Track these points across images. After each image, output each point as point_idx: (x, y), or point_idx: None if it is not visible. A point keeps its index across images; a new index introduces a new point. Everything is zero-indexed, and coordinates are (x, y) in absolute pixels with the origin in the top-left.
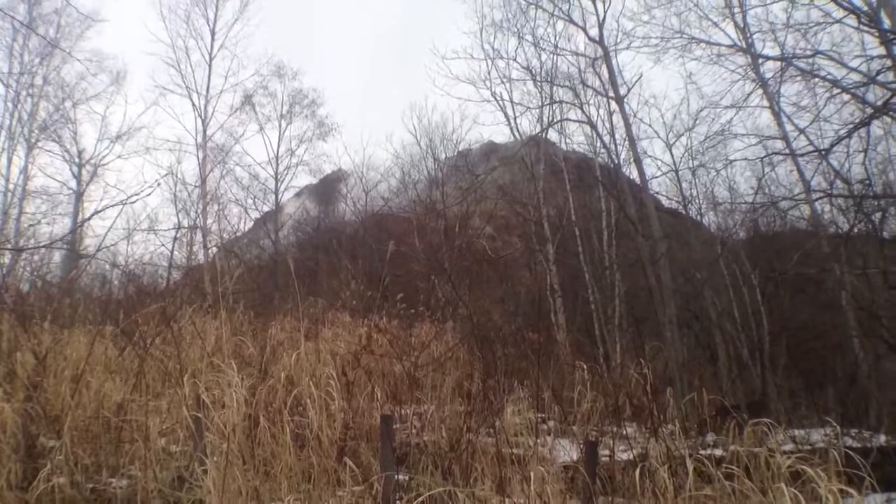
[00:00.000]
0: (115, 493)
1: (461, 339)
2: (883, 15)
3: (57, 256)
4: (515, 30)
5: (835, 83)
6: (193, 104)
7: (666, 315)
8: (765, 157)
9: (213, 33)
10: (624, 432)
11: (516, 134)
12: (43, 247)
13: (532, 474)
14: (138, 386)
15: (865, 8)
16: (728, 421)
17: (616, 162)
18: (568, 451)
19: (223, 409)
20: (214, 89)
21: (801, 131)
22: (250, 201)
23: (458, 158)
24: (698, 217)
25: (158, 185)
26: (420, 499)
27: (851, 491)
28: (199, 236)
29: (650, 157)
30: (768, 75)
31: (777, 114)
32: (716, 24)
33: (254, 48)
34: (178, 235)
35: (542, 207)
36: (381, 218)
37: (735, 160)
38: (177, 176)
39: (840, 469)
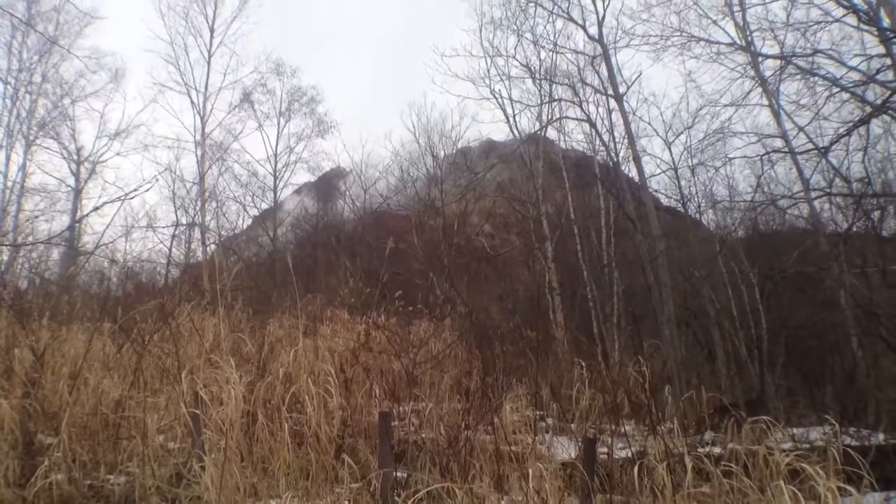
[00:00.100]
0: (113, 489)
1: (459, 336)
2: (882, 14)
3: (55, 253)
4: (515, 28)
5: (834, 82)
6: (192, 101)
7: (664, 313)
8: (764, 154)
9: (212, 30)
10: (622, 430)
11: (515, 132)
12: (41, 243)
13: (530, 471)
14: (136, 383)
15: (865, 7)
16: (726, 419)
17: (615, 160)
18: (566, 449)
19: (221, 406)
20: (213, 87)
21: (801, 129)
22: (249, 199)
23: (458, 156)
24: (697, 215)
25: (157, 180)
26: (418, 495)
27: (850, 489)
28: (197, 233)
29: (649, 155)
30: (768, 73)
31: (776, 112)
32: (715, 23)
33: (253, 46)
34: (176, 233)
35: (540, 205)
36: (379, 215)
37: (734, 158)
38: (175, 173)
39: (839, 467)
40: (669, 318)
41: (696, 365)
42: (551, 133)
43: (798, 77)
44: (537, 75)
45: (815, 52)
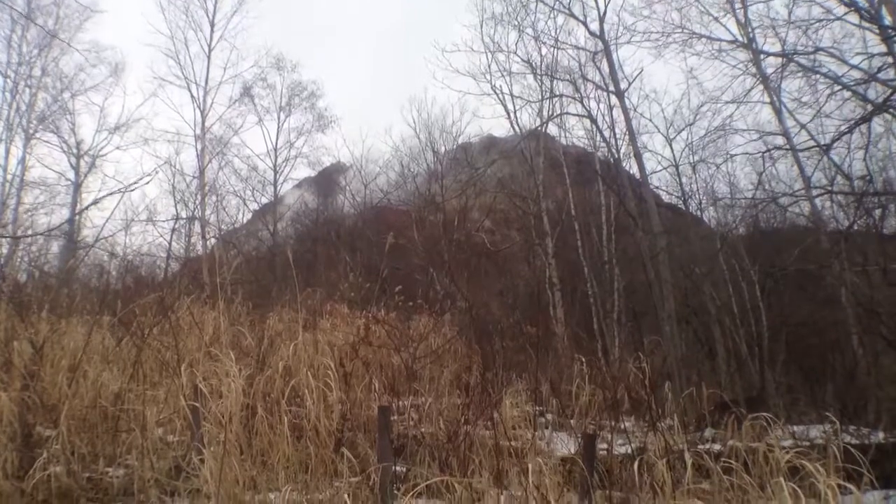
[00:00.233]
0: (112, 482)
1: (459, 331)
2: (884, 12)
3: (55, 246)
4: (516, 23)
5: (836, 80)
6: (192, 95)
7: (665, 310)
8: (765, 152)
9: (212, 25)
10: (622, 426)
11: (516, 127)
12: (40, 234)
13: (530, 466)
14: (136, 376)
15: (866, 5)
16: (727, 416)
17: (616, 156)
18: (566, 445)
19: (221, 399)
20: (213, 81)
21: (803, 126)
22: (249, 193)
23: (458, 151)
24: (698, 212)
25: (157, 173)
26: (417, 489)
27: (851, 487)
28: (197, 227)
29: (650, 151)
30: (769, 71)
31: (778, 110)
32: (717, 20)
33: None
34: (176, 226)
35: (541, 201)
36: (379, 211)
37: (735, 155)
38: (175, 167)
39: (839, 465)
40: (670, 315)
41: (697, 362)
42: (552, 129)
43: (800, 75)
44: (538, 71)
45: (817, 49)
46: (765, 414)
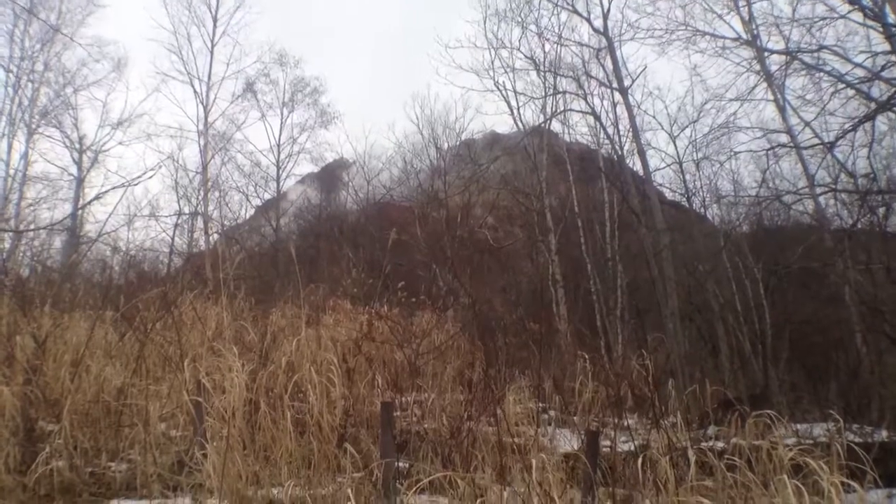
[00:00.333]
0: (115, 477)
1: (462, 327)
2: (888, 10)
3: (57, 242)
4: (519, 20)
5: (839, 78)
6: (195, 91)
7: (668, 307)
8: (769, 149)
9: (215, 20)
10: (625, 423)
11: (519, 124)
12: (42, 229)
13: (533, 462)
14: (138, 370)
15: (870, 3)
16: (730, 413)
17: (619, 153)
18: (569, 441)
19: (224, 395)
20: (216, 76)
21: (807, 124)
22: (252, 189)
23: (461, 148)
24: (702, 210)
25: (160, 167)
26: (420, 485)
27: (854, 485)
28: (200, 223)
29: (654, 148)
30: (773, 69)
31: (782, 107)
32: (721, 17)
33: (256, 36)
34: (179, 222)
35: (544, 198)
36: (382, 206)
37: (739, 152)
38: (178, 162)
39: (842, 463)
40: (673, 312)
41: (700, 359)
42: (555, 126)
43: (803, 72)
44: (542, 67)
45: (821, 47)
46: (768, 412)
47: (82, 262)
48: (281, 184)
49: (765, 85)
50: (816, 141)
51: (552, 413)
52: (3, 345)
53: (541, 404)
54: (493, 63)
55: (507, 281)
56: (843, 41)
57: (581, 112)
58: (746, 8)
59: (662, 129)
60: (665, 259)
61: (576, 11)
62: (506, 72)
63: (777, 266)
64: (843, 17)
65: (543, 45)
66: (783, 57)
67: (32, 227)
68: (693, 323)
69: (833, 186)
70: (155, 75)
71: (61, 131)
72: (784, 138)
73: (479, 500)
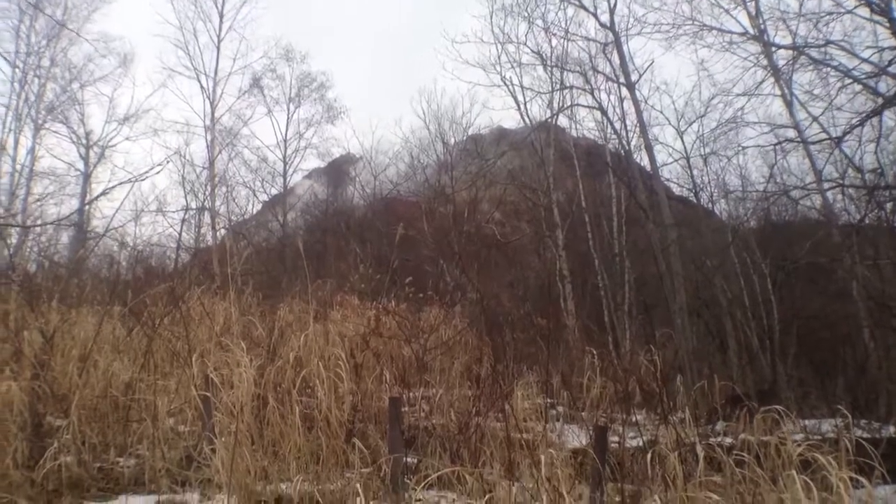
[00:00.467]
0: (123, 472)
1: (470, 323)
2: (895, 5)
3: (65, 237)
4: (526, 14)
5: (846, 73)
6: (202, 86)
7: (676, 302)
8: (777, 144)
9: (221, 15)
10: (634, 419)
11: (526, 119)
12: (49, 224)
13: (542, 458)
14: (146, 366)
15: None
16: (738, 409)
17: (627, 148)
18: (577, 437)
19: (232, 390)
20: (223, 72)
21: (815, 119)
22: (258, 184)
23: (468, 143)
24: (709, 205)
25: (168, 162)
26: (428, 480)
27: (862, 480)
28: (207, 218)
29: (661, 143)
30: (780, 63)
31: (789, 102)
32: (727, 12)
33: (262, 31)
34: (186, 217)
35: (551, 193)
36: (389, 202)
37: (747, 147)
38: (185, 158)
39: (851, 458)
40: (681, 308)
41: (708, 355)
42: (562, 121)
43: (810, 67)
44: (548, 62)
45: (828, 42)
46: (776, 407)
47: (90, 258)
48: (288, 179)
49: (772, 80)
50: (824, 136)
51: (560, 409)
52: (11, 340)
53: (549, 400)
54: (499, 58)
55: (515, 276)
56: (849, 36)
57: (588, 107)
58: (753, 3)
59: (670, 124)
60: (673, 254)
61: (582, 6)
62: (512, 67)
63: (785, 261)
64: (849, 12)
65: (550, 40)
66: (790, 52)
67: (39, 222)
68: (701, 318)
69: (841, 181)
70: (161, 71)
71: (68, 127)
72: (791, 133)
73: (487, 496)
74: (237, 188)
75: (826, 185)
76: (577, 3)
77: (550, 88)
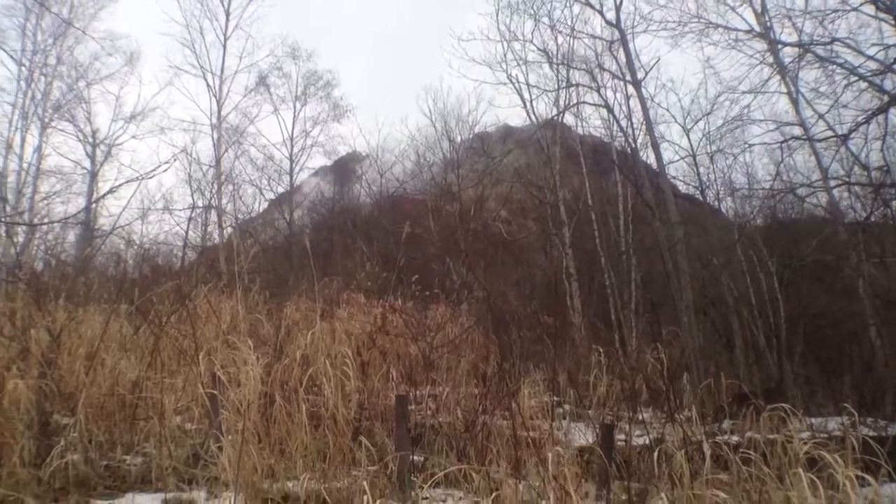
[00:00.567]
0: (130, 470)
1: (476, 321)
2: None
3: (71, 235)
4: (532, 12)
5: (852, 70)
6: (208, 84)
7: (682, 300)
8: (783, 142)
9: (227, 13)
10: (640, 417)
11: (532, 117)
12: (56, 222)
13: (549, 456)
14: (153, 364)
15: None
16: (745, 407)
17: (633, 146)
18: (584, 435)
19: (239, 388)
20: (229, 70)
21: (821, 116)
22: (265, 182)
23: (474, 141)
24: (716, 203)
25: (175, 159)
26: (435, 478)
27: (869, 478)
28: (213, 216)
29: (667, 141)
30: (786, 61)
31: (795, 100)
32: (733, 9)
33: (268, 29)
34: (192, 215)
35: (558, 191)
36: (396, 200)
37: (753, 145)
38: (191, 156)
39: (857, 456)
40: (688, 306)
41: (715, 353)
42: (569, 118)
43: (816, 65)
44: (554, 60)
45: (833, 40)
46: (783, 405)
47: (96, 256)
48: (294, 177)
49: (778, 77)
50: (830, 133)
51: (567, 407)
52: (18, 338)
53: (555, 398)
54: (505, 56)
55: (521, 274)
56: (855, 34)
57: (594, 105)
58: (759, 0)
59: (676, 121)
60: (679, 252)
61: (588, 4)
62: (518, 64)
63: (791, 259)
64: (855, 9)
65: (556, 38)
66: (796, 49)
67: (46, 220)
68: (707, 316)
69: (847, 179)
70: (168, 69)
71: (74, 125)
72: (797, 131)
73: (493, 494)
74: (244, 186)
75: (832, 183)
76: (583, 0)
77: (556, 86)
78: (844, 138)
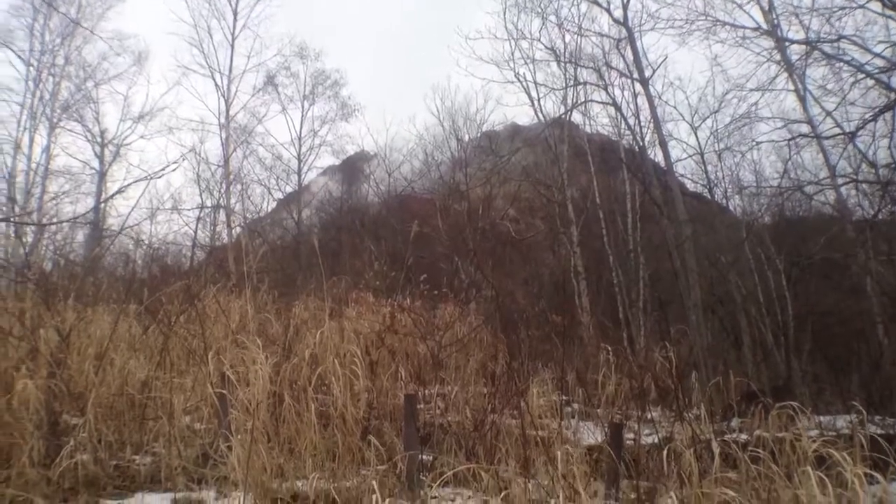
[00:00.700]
0: (139, 470)
1: (485, 320)
2: None
3: (80, 235)
4: (539, 10)
5: (859, 68)
6: (216, 84)
7: (691, 299)
8: (791, 140)
9: (235, 13)
10: (649, 416)
11: (540, 115)
12: (65, 222)
13: (558, 455)
14: (162, 363)
15: None
16: (753, 405)
17: (641, 144)
18: (592, 434)
19: (248, 387)
20: (237, 69)
21: (829, 114)
22: (273, 182)
23: (482, 140)
24: (724, 201)
25: (183, 160)
26: (444, 477)
27: (877, 476)
28: (222, 216)
29: (675, 139)
30: (794, 58)
31: (802, 97)
32: (740, 7)
33: (276, 28)
34: (201, 215)
35: (566, 189)
36: (404, 199)
37: (761, 142)
38: (200, 156)
39: (865, 454)
40: (696, 304)
41: (723, 351)
42: (576, 117)
43: (823, 62)
44: (562, 58)
45: (840, 37)
46: (791, 403)
47: (105, 256)
48: (302, 177)
49: (785, 75)
50: (837, 131)
51: (575, 405)
52: (27, 338)
53: (564, 397)
54: (513, 54)
55: (530, 273)
56: (862, 31)
57: (602, 103)
58: None
59: (684, 119)
60: (687, 250)
61: (596, 2)
62: (526, 63)
63: (799, 257)
64: (861, 6)
65: (563, 36)
66: (803, 47)
67: (55, 220)
68: (716, 315)
69: (854, 177)
70: (176, 69)
71: (83, 125)
72: (805, 128)
73: (502, 493)
74: (252, 186)
75: (840, 181)
76: None
77: (564, 84)
78: (852, 136)
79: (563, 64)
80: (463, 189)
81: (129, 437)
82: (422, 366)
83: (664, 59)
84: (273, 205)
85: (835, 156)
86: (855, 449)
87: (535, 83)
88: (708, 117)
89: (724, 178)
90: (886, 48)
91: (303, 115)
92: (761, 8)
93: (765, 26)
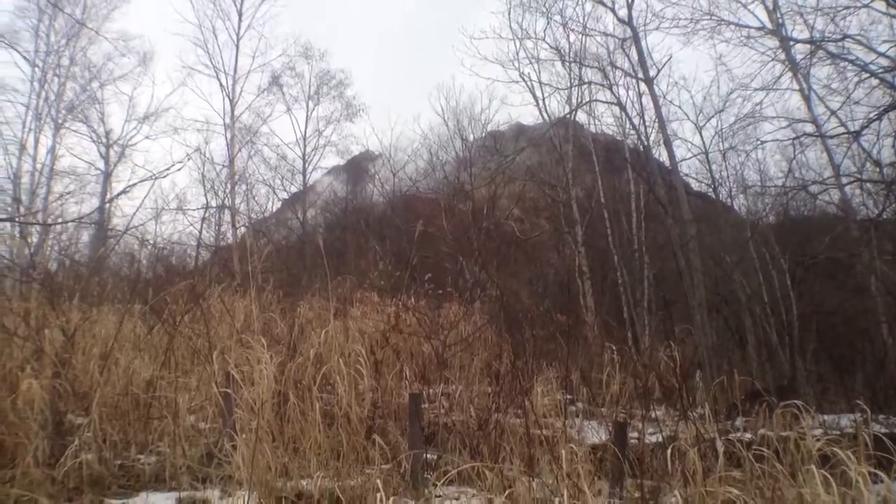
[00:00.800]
0: (144, 469)
1: (489, 319)
2: None
3: (85, 235)
4: (544, 10)
5: (863, 67)
6: (221, 84)
7: (695, 298)
8: (795, 139)
9: (240, 13)
10: (653, 415)
11: (545, 115)
12: (70, 223)
13: (562, 454)
14: (167, 363)
15: None
16: (757, 405)
17: (645, 144)
18: (597, 433)
19: (252, 386)
20: (242, 70)
21: (833, 113)
22: (278, 182)
23: (487, 139)
24: (728, 200)
25: (189, 158)
26: (448, 476)
27: (881, 474)
28: (227, 216)
29: (680, 139)
30: (798, 58)
31: (807, 97)
32: (745, 6)
33: (281, 29)
34: (206, 215)
35: (570, 189)
36: (408, 199)
37: (765, 142)
38: (205, 156)
39: (869, 453)
40: (700, 304)
41: (727, 350)
42: (581, 116)
43: (828, 62)
44: (567, 58)
45: (845, 37)
46: (795, 402)
47: (110, 256)
48: (307, 177)
49: (790, 74)
50: (842, 130)
51: (580, 405)
52: (32, 338)
53: (568, 396)
54: (517, 54)
55: (534, 273)
56: (866, 30)
57: (606, 102)
58: None
59: (688, 119)
60: (692, 250)
61: (601, 2)
62: (531, 62)
63: (804, 256)
64: (866, 6)
65: (568, 36)
66: (808, 46)
67: (60, 220)
68: (720, 314)
69: (859, 176)
70: (181, 69)
71: (88, 126)
72: (809, 128)
73: (507, 492)
74: (257, 186)
75: (844, 180)
76: None
77: (569, 84)
78: (856, 135)
79: (567, 63)
80: (467, 189)
81: (133, 436)
82: (426, 365)
83: (669, 59)
84: (278, 205)
85: (839, 155)
86: (859, 448)
87: (540, 83)
88: (712, 117)
89: (728, 177)
90: (891, 47)
91: (307, 116)
92: (766, 7)
93: (769, 26)
